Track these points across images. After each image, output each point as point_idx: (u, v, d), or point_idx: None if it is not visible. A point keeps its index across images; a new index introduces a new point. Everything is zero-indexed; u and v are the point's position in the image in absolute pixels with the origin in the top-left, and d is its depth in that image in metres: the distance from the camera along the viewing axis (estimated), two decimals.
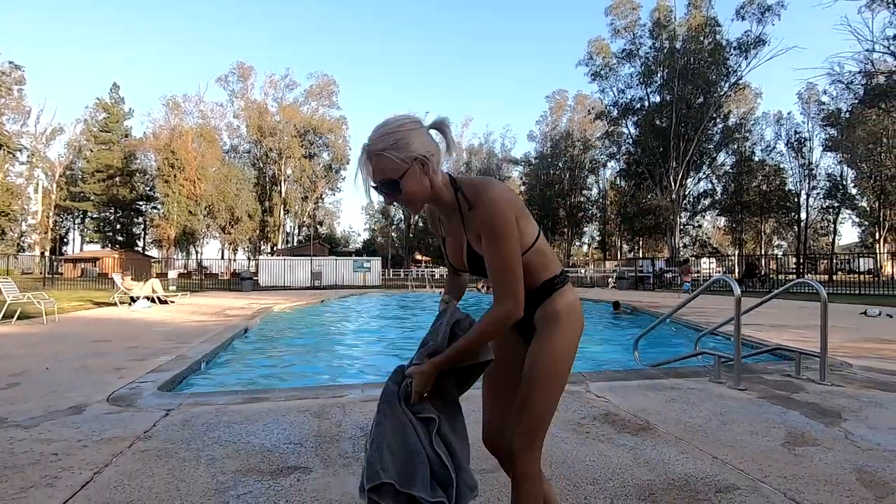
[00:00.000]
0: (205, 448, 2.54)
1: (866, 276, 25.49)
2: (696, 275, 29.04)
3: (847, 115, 33.95)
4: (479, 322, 1.22)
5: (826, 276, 28.84)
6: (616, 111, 34.90)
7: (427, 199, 1.22)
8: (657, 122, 32.46)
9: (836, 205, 39.71)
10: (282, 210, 48.54)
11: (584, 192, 51.09)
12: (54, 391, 3.70)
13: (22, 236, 49.32)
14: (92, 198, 50.57)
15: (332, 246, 52.76)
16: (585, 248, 63.03)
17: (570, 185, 48.62)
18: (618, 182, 47.45)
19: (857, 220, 41.82)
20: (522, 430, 1.26)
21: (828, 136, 37.68)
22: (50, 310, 8.77)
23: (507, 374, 1.40)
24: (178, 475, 2.20)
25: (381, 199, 1.24)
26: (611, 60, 34.49)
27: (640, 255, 45.31)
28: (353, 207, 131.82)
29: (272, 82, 48.38)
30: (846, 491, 2.05)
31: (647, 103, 33.53)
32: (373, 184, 1.18)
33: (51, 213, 48.96)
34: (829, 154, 39.08)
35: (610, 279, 27.03)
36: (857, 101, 30.39)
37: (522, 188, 52.92)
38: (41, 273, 29.17)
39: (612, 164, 45.53)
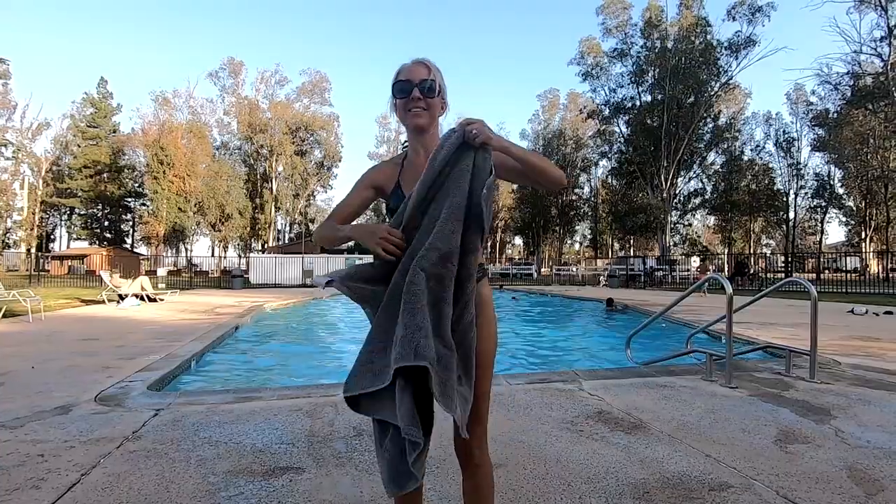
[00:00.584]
0: (195, 448, 2.50)
1: (852, 274, 25.87)
2: (685, 273, 29.31)
3: (835, 116, 34.37)
4: (539, 156, 1.31)
5: (813, 275, 29.21)
6: (608, 110, 35.06)
7: (430, 126, 1.36)
8: (648, 121, 32.67)
9: (823, 204, 40.25)
10: (273, 207, 48.18)
11: (576, 190, 51.26)
12: (40, 391, 3.63)
13: (7, 233, 48.48)
14: (79, 194, 49.86)
15: None
16: (577, 246, 63.36)
17: None
18: (609, 181, 47.69)
19: (843, 219, 42.42)
20: (478, 420, 1.29)
21: (816, 136, 38.14)
22: (36, 308, 8.63)
23: None
24: (167, 476, 2.17)
25: (407, 95, 1.31)
26: (602, 60, 34.64)
27: (632, 254, 45.60)
28: None
29: (263, 78, 47.99)
30: (837, 488, 2.06)
31: (638, 102, 33.73)
32: (432, 78, 1.31)
33: (37, 210, 48.12)
34: (816, 154, 39.60)
35: (601, 277, 27.17)
36: (844, 101, 30.79)
37: (514, 186, 53.00)
38: (27, 270, 28.72)
39: (603, 162, 45.73)
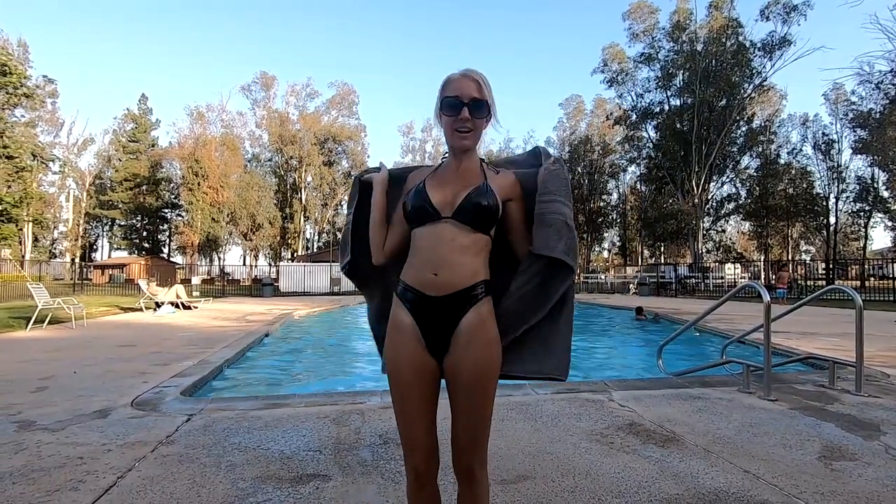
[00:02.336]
0: (225, 454, 2.55)
1: None
2: (719, 281, 28.33)
3: (877, 116, 32.85)
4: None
5: (857, 282, 27.84)
6: (635, 115, 34.48)
7: (476, 142, 1.32)
8: (678, 125, 31.93)
9: (867, 208, 38.38)
10: (302, 217, 49.15)
11: (604, 196, 50.49)
12: (81, 395, 3.77)
13: (54, 243, 51.03)
14: (120, 206, 52.02)
15: None
16: (606, 253, 62.25)
17: (589, 190, 48.17)
18: (638, 187, 46.81)
19: (890, 223, 40.33)
20: (483, 439, 1.27)
21: (857, 137, 36.50)
22: (79, 315, 9.02)
23: (423, 385, 1.28)
24: (198, 481, 2.21)
25: (456, 113, 1.26)
26: (627, 65, 34.10)
27: (662, 261, 44.52)
28: None
29: (294, 91, 49.23)
30: None
31: (667, 107, 33.06)
32: (482, 97, 1.27)
33: (81, 221, 50.50)
34: (858, 156, 37.84)
35: (631, 285, 26.63)
36: (888, 101, 29.42)
37: None
38: (71, 279, 30.08)
39: (632, 168, 44.96)
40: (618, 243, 55.04)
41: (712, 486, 2.15)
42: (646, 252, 52.30)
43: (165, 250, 56.63)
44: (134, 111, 53.94)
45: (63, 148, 46.64)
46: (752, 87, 30.91)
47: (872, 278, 30.19)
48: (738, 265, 34.13)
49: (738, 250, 46.68)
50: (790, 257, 41.64)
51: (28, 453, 2.54)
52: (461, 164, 1.33)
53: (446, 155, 1.37)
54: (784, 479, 2.23)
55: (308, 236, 53.34)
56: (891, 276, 26.60)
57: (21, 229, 37.41)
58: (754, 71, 30.32)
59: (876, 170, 37.37)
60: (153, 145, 53.99)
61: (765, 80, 31.06)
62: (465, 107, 1.24)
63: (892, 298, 16.14)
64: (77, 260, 45.37)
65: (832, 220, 39.49)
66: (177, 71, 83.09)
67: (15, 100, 30.64)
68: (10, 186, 30.44)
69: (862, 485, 2.17)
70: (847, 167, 38.97)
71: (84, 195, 50.87)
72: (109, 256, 55.40)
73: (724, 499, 2.03)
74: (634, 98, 34.34)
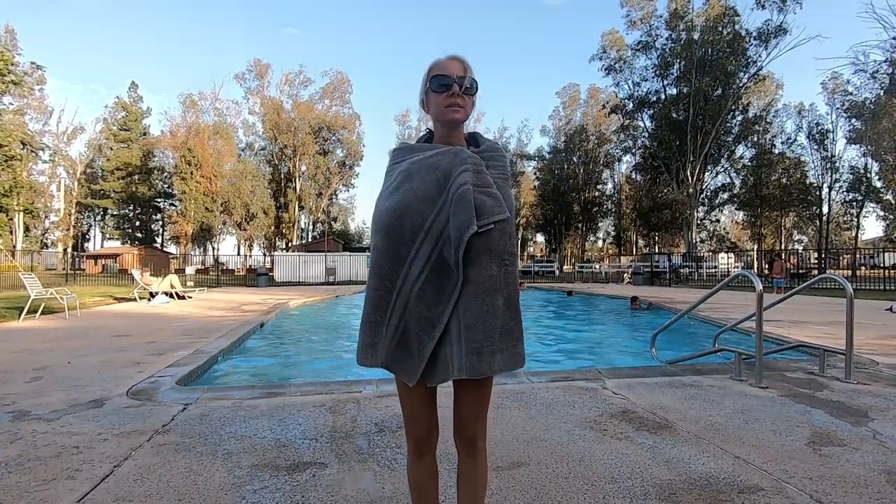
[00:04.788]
0: (221, 442, 2.56)
1: (891, 271, 24.78)
2: (713, 270, 28.52)
3: (871, 106, 32.96)
4: None
5: (849, 272, 28.13)
6: (631, 104, 34.40)
7: (464, 120, 1.34)
8: (674, 114, 31.90)
9: (859, 198, 38.62)
10: (296, 206, 48.89)
11: (599, 186, 50.55)
12: (76, 385, 3.77)
13: (45, 233, 50.57)
14: (112, 195, 51.56)
15: (346, 242, 53.01)
16: (600, 243, 62.49)
17: (584, 179, 48.17)
18: (633, 176, 46.88)
19: (881, 213, 40.62)
20: (486, 411, 1.39)
21: (851, 127, 36.61)
22: (72, 305, 8.97)
23: None
24: (195, 469, 2.22)
25: (447, 90, 1.30)
26: (625, 53, 33.97)
27: (657, 251, 44.72)
28: (366, 204, 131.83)
29: (287, 79, 48.67)
30: (875, 493, 1.98)
31: (663, 96, 33.00)
32: (468, 76, 1.31)
33: (72, 211, 50.01)
34: (852, 146, 37.98)
35: (625, 274, 26.78)
36: (882, 90, 29.48)
37: (536, 183, 52.58)
38: (64, 269, 29.85)
39: (627, 158, 45.02)
40: (612, 233, 55.23)
41: (703, 472, 2.18)
42: (640, 242, 52.52)
43: (159, 240, 56.26)
44: (125, 99, 53.22)
45: (53, 136, 46.05)
46: (747, 76, 30.89)
47: (864, 268, 30.52)
48: (731, 255, 34.35)
49: (732, 240, 46.97)
50: (783, 247, 41.93)
51: (23, 443, 2.54)
52: (452, 142, 1.36)
53: (423, 136, 1.43)
54: (773, 464, 2.27)
55: (303, 226, 53.14)
56: (881, 265, 26.91)
57: (12, 219, 37.03)
58: (750, 60, 30.30)
59: (869, 160, 37.55)
60: (145, 134, 53.38)
61: (760, 70, 31.05)
62: (454, 83, 1.29)
63: (882, 287, 16.32)
64: (69, 250, 45.01)
65: (825, 209, 39.74)
66: (168, 59, 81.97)
67: (2, 87, 30.14)
68: None
69: (849, 469, 2.21)
70: (841, 157, 39.16)
71: (75, 184, 50.32)
72: (102, 246, 55.01)
73: (715, 483, 2.07)
74: (631, 87, 34.27)
